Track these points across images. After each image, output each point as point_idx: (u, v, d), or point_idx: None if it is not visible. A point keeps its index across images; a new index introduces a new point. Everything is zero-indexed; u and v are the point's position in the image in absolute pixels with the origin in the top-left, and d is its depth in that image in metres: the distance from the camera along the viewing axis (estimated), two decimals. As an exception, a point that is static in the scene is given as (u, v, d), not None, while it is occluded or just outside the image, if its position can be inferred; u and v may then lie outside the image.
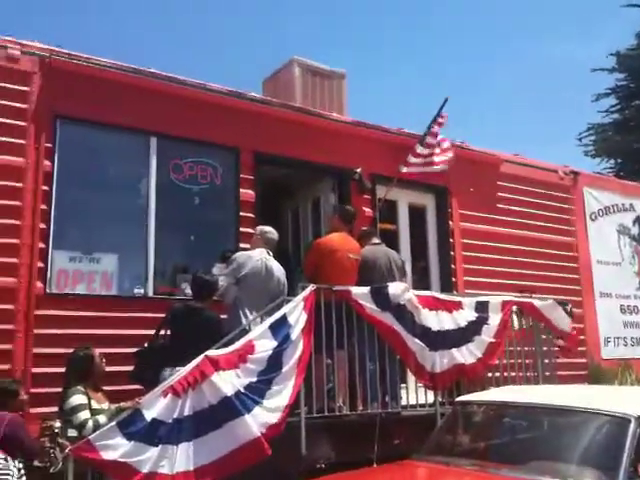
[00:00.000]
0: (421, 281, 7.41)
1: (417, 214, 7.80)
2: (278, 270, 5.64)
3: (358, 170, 7.11)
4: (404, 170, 7.14)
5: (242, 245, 6.12)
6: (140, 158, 6.09)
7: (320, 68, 8.02)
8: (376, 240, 6.29)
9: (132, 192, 6.07)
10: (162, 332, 5.16)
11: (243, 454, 4.26)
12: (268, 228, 5.88)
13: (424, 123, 7.36)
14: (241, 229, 6.30)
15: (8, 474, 3.99)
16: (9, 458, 4.05)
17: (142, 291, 5.81)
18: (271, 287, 5.52)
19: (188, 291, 5.71)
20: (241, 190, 6.46)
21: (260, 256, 5.59)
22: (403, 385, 5.84)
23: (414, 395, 5.73)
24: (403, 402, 5.80)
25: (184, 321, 5.11)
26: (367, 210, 7.20)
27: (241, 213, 6.40)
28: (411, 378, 5.82)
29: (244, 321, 5.25)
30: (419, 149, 7.17)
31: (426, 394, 5.68)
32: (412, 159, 7.13)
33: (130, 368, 4.99)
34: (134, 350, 5.09)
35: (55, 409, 4.55)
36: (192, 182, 6.30)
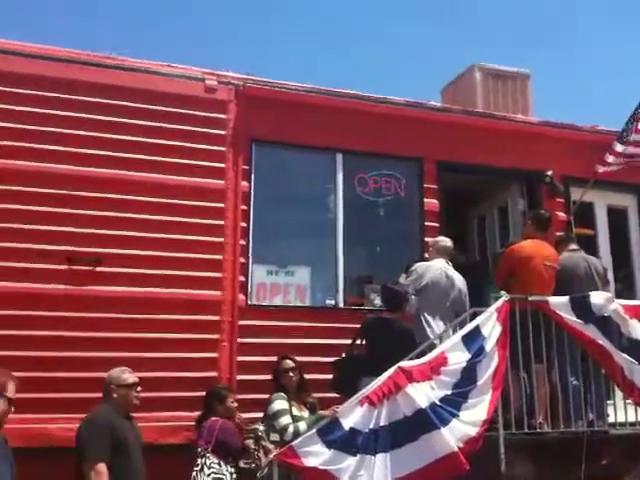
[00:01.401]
0: (625, 290, 6.86)
1: (617, 217, 7.27)
2: (459, 280, 5.57)
3: (549, 173, 6.78)
4: (601, 170, 6.63)
5: (427, 255, 6.10)
6: (327, 174, 6.34)
7: (502, 70, 7.79)
8: (574, 246, 5.88)
9: (321, 207, 6.33)
10: (358, 342, 5.27)
11: (440, 468, 4.20)
12: (440, 237, 5.86)
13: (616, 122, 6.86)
14: (426, 239, 6.29)
15: (222, 478, 4.30)
16: (222, 462, 4.36)
17: (333, 302, 6.02)
18: (453, 297, 5.46)
19: (377, 302, 5.79)
20: (425, 200, 6.47)
21: (439, 265, 5.55)
22: (609, 402, 5.44)
23: (622, 412, 5.32)
24: (610, 419, 5.39)
25: (378, 332, 5.17)
26: (561, 214, 6.82)
27: (426, 223, 6.40)
28: (618, 394, 5.40)
29: (428, 331, 5.24)
30: (618, 147, 6.63)
31: (636, 412, 5.24)
32: (610, 158, 6.63)
33: (323, 376, 5.15)
34: (328, 359, 5.25)
35: (259, 415, 4.83)
36: (377, 195, 6.43)
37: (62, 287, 5.17)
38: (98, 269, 5.28)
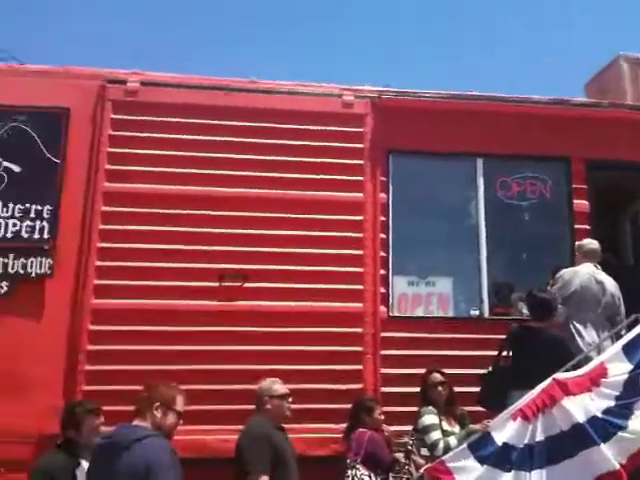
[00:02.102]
0: None
1: None
2: (611, 284, 5.23)
3: None
4: None
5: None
6: (467, 181, 6.19)
7: (651, 59, 7.23)
8: None
9: (461, 215, 6.18)
10: (504, 354, 5.08)
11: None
12: (586, 240, 5.55)
13: None
14: (577, 243, 5.93)
15: None
16: (372, 474, 4.35)
17: (477, 312, 5.84)
18: (605, 302, 5.14)
19: (525, 311, 5.55)
20: (574, 201, 6.12)
21: (587, 270, 5.21)
22: None
23: None
24: None
25: (524, 343, 4.93)
26: None
27: (575, 226, 6.05)
28: None
29: (579, 341, 4.99)
30: None
31: None
32: None
33: (469, 389, 5.01)
34: (473, 372, 5.11)
35: (403, 428, 4.78)
36: (521, 198, 6.18)
37: (215, 303, 5.43)
38: (246, 285, 5.48)
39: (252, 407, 4.49)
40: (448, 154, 6.15)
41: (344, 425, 4.74)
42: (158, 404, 3.26)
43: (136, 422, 3.26)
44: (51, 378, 5.09)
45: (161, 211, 5.56)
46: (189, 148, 5.73)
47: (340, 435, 4.76)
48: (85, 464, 3.78)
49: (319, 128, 5.94)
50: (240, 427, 4.61)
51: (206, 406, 4.73)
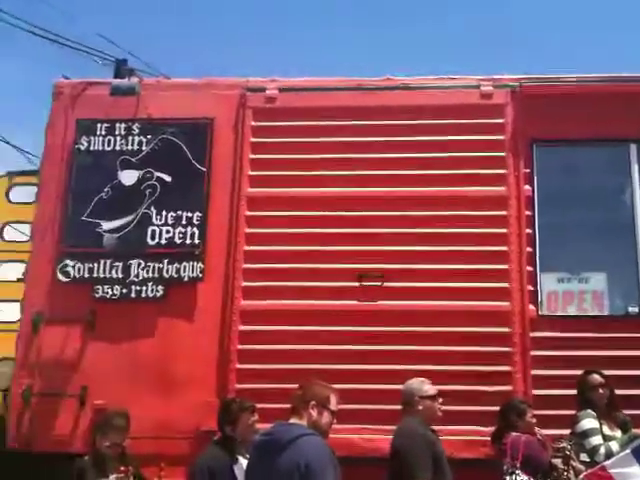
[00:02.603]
0: None
1: None
2: None
3: None
4: None
5: None
6: (619, 168, 5.77)
7: None
8: None
9: (614, 205, 5.76)
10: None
11: None
12: None
13: None
14: None
15: None
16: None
17: (637, 309, 5.41)
18: None
19: None
20: None
21: None
22: None
23: None
24: None
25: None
26: None
27: None
28: None
29: None
30: None
31: None
32: None
33: (628, 392, 4.76)
34: (632, 373, 4.89)
35: (556, 432, 4.54)
36: (680, 184, 5.65)
37: (356, 303, 5.45)
38: (386, 284, 5.45)
39: (395, 407, 4.45)
40: (597, 141, 5.77)
41: (492, 428, 4.58)
42: (314, 403, 3.30)
43: (293, 420, 3.31)
44: (205, 376, 5.34)
45: (303, 213, 5.67)
46: (327, 150, 5.79)
47: (488, 438, 4.60)
48: (243, 461, 3.92)
49: (457, 122, 5.79)
50: (384, 427, 4.64)
51: (350, 405, 4.71)
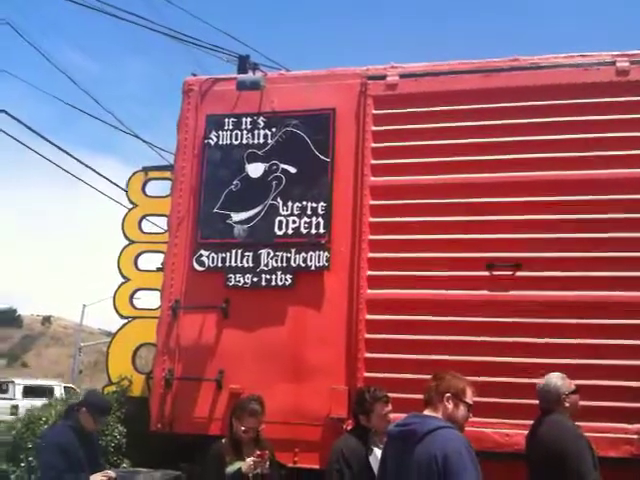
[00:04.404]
0: None
1: None
2: None
3: None
4: None
5: None
6: None
7: None
8: None
9: None
10: None
11: None
12: None
13: None
14: None
15: None
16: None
17: None
18: None
19: None
20: None
21: None
22: None
23: None
24: None
25: None
26: None
27: None
28: None
29: None
30: None
31: None
32: None
33: None
34: None
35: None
36: None
37: (488, 293, 5.27)
38: (518, 274, 5.22)
39: (529, 402, 4.28)
40: None
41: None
42: (449, 395, 3.22)
43: (427, 412, 3.25)
44: (334, 364, 5.37)
45: (427, 201, 5.55)
46: (451, 136, 5.64)
47: (635, 436, 4.30)
48: (377, 451, 3.89)
49: (592, 101, 5.46)
50: (518, 422, 4.45)
51: (485, 398, 4.56)
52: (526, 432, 4.24)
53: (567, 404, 3.95)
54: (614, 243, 5.14)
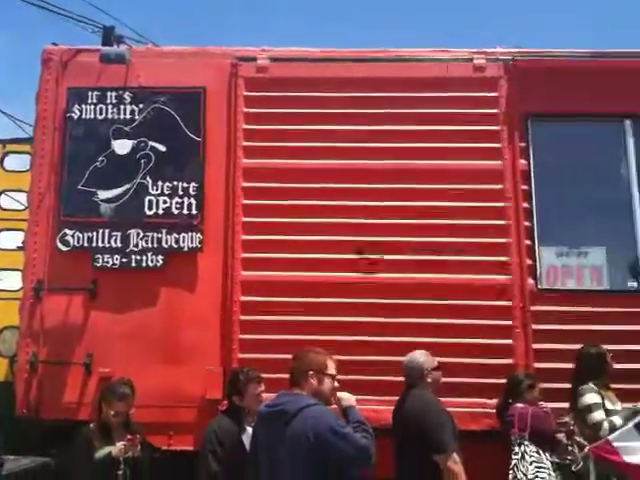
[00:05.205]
0: None
1: None
2: None
3: None
4: None
5: None
6: (615, 144, 5.81)
7: None
8: None
9: (611, 179, 5.78)
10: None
11: None
12: None
13: None
14: None
15: (543, 467, 4.19)
16: (540, 451, 4.26)
17: (635, 284, 5.52)
18: None
19: None
20: None
21: None
22: None
23: None
24: None
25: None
26: None
27: None
28: None
29: None
30: None
31: None
32: None
33: (627, 366, 4.83)
34: (631, 347, 4.94)
35: (559, 405, 4.63)
36: (677, 159, 5.74)
37: (359, 275, 5.45)
38: (386, 257, 5.46)
39: (395, 379, 4.50)
40: (592, 116, 5.80)
41: (496, 400, 4.65)
42: (312, 373, 3.34)
43: (296, 391, 3.35)
44: (208, 346, 5.33)
45: (297, 185, 5.62)
46: (322, 122, 5.72)
47: (492, 410, 4.67)
48: (250, 430, 3.92)
49: (451, 95, 5.77)
50: (386, 398, 4.66)
51: (355, 376, 4.74)
52: (392, 407, 4.46)
53: (430, 380, 4.17)
54: (467, 230, 5.49)
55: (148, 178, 5.66)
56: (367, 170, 5.65)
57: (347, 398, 3.45)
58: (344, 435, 3.14)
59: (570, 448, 4.25)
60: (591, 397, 4.41)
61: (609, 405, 4.39)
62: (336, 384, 3.45)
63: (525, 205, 5.60)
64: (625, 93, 5.75)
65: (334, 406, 3.50)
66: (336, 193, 5.60)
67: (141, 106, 5.81)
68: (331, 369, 3.42)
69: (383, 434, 4.06)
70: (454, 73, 5.85)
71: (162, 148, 5.74)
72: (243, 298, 5.41)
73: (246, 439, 3.97)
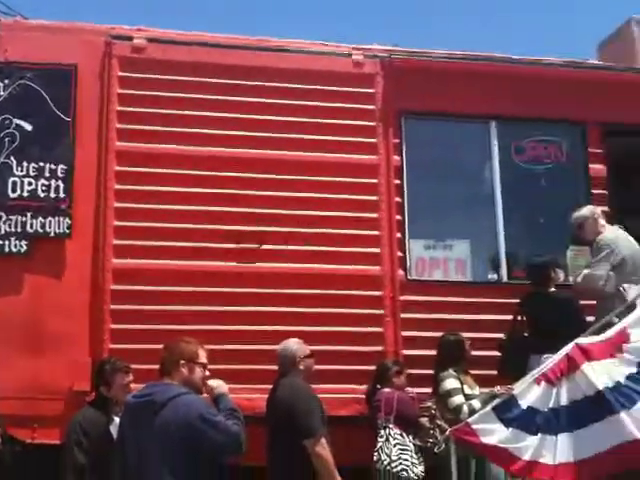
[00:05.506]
0: None
1: None
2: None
3: None
4: None
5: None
6: (482, 144, 6.15)
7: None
8: None
9: (477, 178, 6.16)
10: (519, 319, 5.21)
11: (625, 454, 3.95)
12: (590, 206, 5.46)
13: None
14: (597, 208, 5.84)
15: (406, 449, 4.38)
16: (404, 434, 4.44)
17: (496, 276, 5.88)
18: None
19: (561, 275, 5.43)
20: (590, 166, 6.11)
21: (624, 235, 5.16)
22: None
23: None
24: None
25: (536, 306, 5.09)
26: None
27: (592, 190, 6.04)
28: None
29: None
30: None
31: None
32: None
33: (486, 353, 5.12)
34: (492, 336, 5.22)
35: (425, 390, 4.86)
36: (536, 162, 6.17)
37: (233, 265, 5.41)
38: (263, 247, 5.47)
39: (270, 367, 4.52)
40: (461, 116, 6.10)
41: (366, 386, 4.80)
42: (183, 361, 3.32)
43: (166, 380, 3.31)
44: (77, 336, 5.11)
45: (173, 171, 5.50)
46: (198, 107, 5.63)
47: (362, 396, 4.82)
48: (118, 420, 3.83)
49: (330, 88, 5.84)
50: (260, 387, 4.68)
51: (228, 365, 4.72)
52: (266, 396, 4.49)
53: (302, 367, 4.24)
54: (342, 222, 5.60)
55: (12, 158, 5.32)
56: (244, 159, 5.61)
57: (218, 386, 3.44)
58: (215, 423, 3.13)
59: (432, 431, 4.47)
60: (451, 382, 4.65)
61: (468, 390, 4.66)
62: (207, 373, 3.44)
63: (397, 199, 5.80)
64: (492, 95, 6.08)
65: (206, 395, 3.47)
66: (213, 181, 5.53)
67: (7, 81, 5.44)
68: (202, 358, 3.41)
69: (257, 422, 4.11)
70: (334, 67, 5.93)
71: (28, 127, 5.41)
72: (114, 286, 5.22)
73: (114, 430, 3.88)
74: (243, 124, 5.66)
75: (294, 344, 4.35)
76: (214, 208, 5.47)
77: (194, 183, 5.49)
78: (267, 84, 5.76)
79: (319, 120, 5.77)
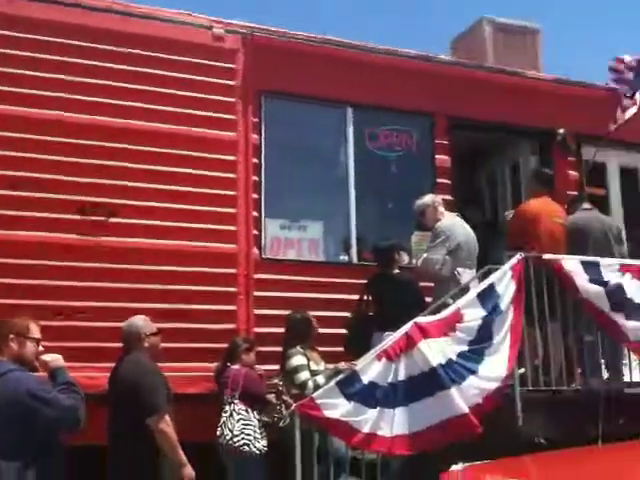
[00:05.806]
0: (637, 250, 6.61)
1: (629, 177, 7.19)
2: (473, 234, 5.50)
3: (562, 131, 6.70)
4: (613, 127, 6.61)
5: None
6: (338, 128, 6.28)
7: (512, 24, 7.70)
8: (587, 205, 5.70)
9: (332, 161, 6.29)
10: (365, 299, 5.41)
11: (455, 426, 4.26)
12: (432, 195, 5.70)
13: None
14: (437, 196, 6.22)
15: (250, 424, 4.41)
16: (249, 410, 4.46)
17: (346, 257, 6.04)
18: (475, 254, 5.41)
19: (406, 258, 5.65)
20: (436, 156, 6.42)
21: (461, 222, 5.47)
22: (624, 362, 5.40)
23: (637, 372, 5.38)
24: (626, 379, 5.37)
25: (380, 287, 5.31)
26: (572, 173, 6.80)
27: (437, 180, 6.36)
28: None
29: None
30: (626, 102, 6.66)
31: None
32: (621, 115, 6.64)
33: (336, 331, 5.27)
34: (342, 314, 5.39)
35: (277, 367, 4.92)
36: (388, 150, 6.38)
37: (75, 237, 5.15)
38: (112, 220, 5.25)
39: (114, 345, 4.37)
40: (320, 100, 6.16)
41: (217, 364, 4.78)
42: (13, 336, 3.22)
43: None
44: None
45: (11, 134, 5.12)
46: (46, 69, 5.27)
47: (212, 374, 4.79)
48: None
49: (187, 59, 5.69)
50: (104, 365, 4.51)
51: (70, 343, 4.50)
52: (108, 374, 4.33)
53: (147, 344, 4.14)
54: (197, 198, 5.49)
55: None
56: (94, 126, 5.33)
57: (53, 359, 3.30)
58: (46, 399, 3.05)
59: (279, 407, 4.54)
60: (297, 359, 4.75)
61: (314, 366, 4.78)
62: (41, 348, 3.32)
63: (255, 178, 5.79)
64: (349, 82, 6.19)
65: (43, 373, 3.30)
66: (59, 148, 5.20)
67: None
68: (34, 332, 3.30)
69: (99, 401, 3.97)
70: (194, 39, 5.76)
71: None
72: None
73: None
74: (90, 89, 5.35)
75: (140, 321, 4.24)
76: (59, 177, 5.15)
77: (39, 149, 5.13)
78: (121, 49, 5.49)
79: (175, 91, 5.61)
